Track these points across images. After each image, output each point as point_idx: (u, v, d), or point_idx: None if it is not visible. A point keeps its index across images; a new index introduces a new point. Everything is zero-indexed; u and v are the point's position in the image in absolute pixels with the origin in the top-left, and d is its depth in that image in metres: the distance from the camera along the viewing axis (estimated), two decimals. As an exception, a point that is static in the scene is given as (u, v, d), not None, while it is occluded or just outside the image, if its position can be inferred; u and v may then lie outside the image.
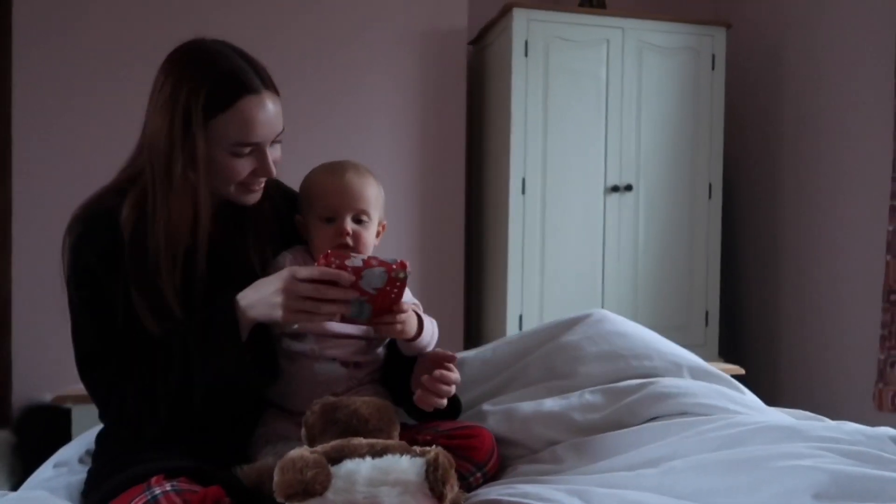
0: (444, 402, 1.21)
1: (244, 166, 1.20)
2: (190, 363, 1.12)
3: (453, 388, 1.22)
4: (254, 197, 1.26)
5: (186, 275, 1.19)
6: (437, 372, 1.20)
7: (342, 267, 1.08)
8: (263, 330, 1.17)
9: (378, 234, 1.32)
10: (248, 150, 1.19)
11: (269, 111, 1.19)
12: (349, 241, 1.25)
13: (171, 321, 1.16)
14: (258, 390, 1.23)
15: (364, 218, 1.27)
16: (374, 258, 1.11)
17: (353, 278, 1.08)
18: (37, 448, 1.41)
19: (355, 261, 1.09)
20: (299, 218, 1.32)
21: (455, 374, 1.23)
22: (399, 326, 1.17)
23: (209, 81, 1.16)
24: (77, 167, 2.72)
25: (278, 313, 1.09)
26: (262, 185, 1.26)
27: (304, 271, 1.10)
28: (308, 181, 1.32)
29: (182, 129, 1.15)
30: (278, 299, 1.09)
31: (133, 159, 1.26)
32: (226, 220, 1.26)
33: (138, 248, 1.17)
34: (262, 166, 1.21)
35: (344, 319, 1.13)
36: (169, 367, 1.13)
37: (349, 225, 1.25)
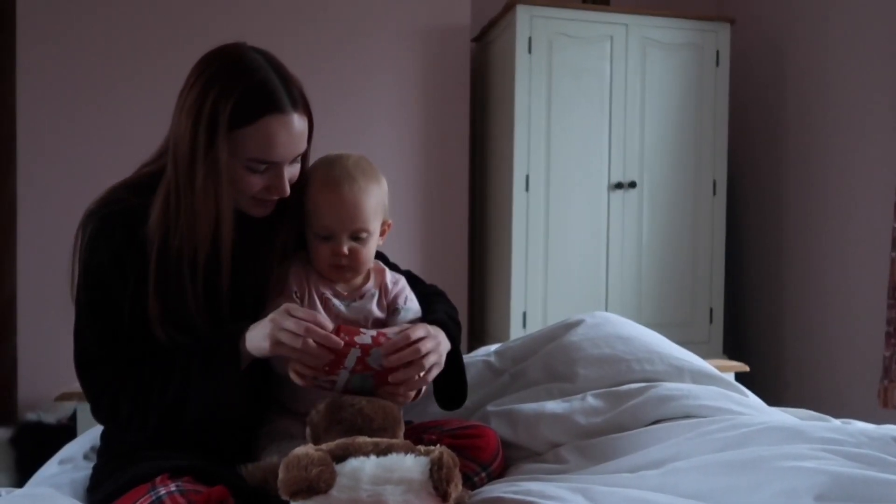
0: (419, 386, 1.15)
1: (258, 182, 1.18)
2: (189, 382, 1.11)
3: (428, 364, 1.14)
4: (264, 210, 1.22)
5: (209, 283, 1.18)
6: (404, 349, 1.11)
7: (351, 343, 1.07)
8: (264, 366, 1.17)
9: (383, 234, 1.29)
10: (264, 167, 1.17)
11: (292, 132, 1.16)
12: (345, 261, 1.22)
13: (185, 330, 1.15)
14: (247, 418, 1.21)
15: (363, 235, 1.22)
16: (384, 335, 1.11)
17: (341, 352, 1.07)
18: (34, 463, 1.41)
19: (364, 338, 1.09)
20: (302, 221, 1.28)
21: (425, 346, 1.13)
22: (401, 399, 1.16)
23: (237, 92, 1.12)
24: (81, 167, 2.73)
25: (265, 345, 1.09)
26: (276, 200, 1.22)
27: (299, 311, 1.09)
28: (305, 188, 1.25)
29: (206, 136, 1.12)
30: (267, 330, 1.09)
31: (158, 155, 1.24)
32: (250, 230, 1.24)
33: (164, 252, 1.15)
34: (276, 185, 1.18)
35: (346, 391, 1.12)
36: (168, 381, 1.12)
37: (346, 245, 1.21)
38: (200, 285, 1.17)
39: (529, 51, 2.95)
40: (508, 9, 2.99)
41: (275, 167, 1.17)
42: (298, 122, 1.17)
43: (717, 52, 3.14)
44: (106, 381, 1.15)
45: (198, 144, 1.13)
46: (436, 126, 3.11)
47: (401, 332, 1.13)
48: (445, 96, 3.12)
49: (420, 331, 1.14)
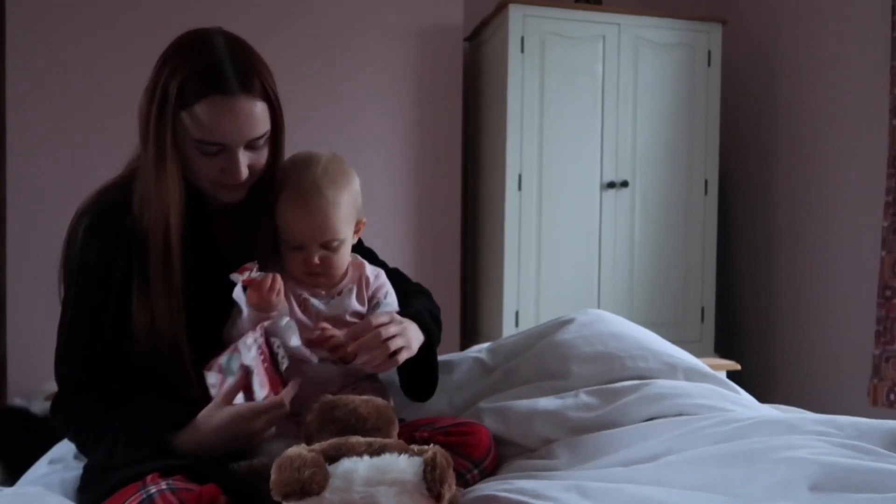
0: (387, 357, 1.16)
1: (212, 165, 1.15)
2: (113, 455, 1.11)
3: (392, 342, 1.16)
4: (231, 195, 1.20)
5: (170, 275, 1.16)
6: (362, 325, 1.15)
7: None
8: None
9: (357, 232, 1.29)
10: (213, 149, 1.14)
11: (237, 115, 1.12)
12: (318, 269, 1.22)
13: (160, 336, 1.14)
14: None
15: (334, 244, 1.22)
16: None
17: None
18: (12, 451, 1.39)
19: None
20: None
21: (391, 329, 1.16)
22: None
23: (186, 71, 1.11)
24: (71, 164, 2.71)
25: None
26: (243, 185, 1.19)
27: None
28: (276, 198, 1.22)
29: (157, 114, 1.12)
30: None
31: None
32: (240, 222, 1.23)
33: (144, 248, 1.15)
34: (229, 168, 1.15)
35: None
36: (101, 437, 1.12)
37: (316, 255, 1.21)
38: (161, 276, 1.14)
39: (522, 50, 2.95)
40: (501, 8, 2.99)
41: (227, 151, 1.14)
42: (248, 105, 1.13)
43: (709, 53, 3.14)
44: (75, 387, 1.16)
45: (150, 122, 1.13)
46: (428, 125, 3.11)
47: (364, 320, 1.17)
48: (438, 96, 3.11)
49: (382, 317, 1.17)
